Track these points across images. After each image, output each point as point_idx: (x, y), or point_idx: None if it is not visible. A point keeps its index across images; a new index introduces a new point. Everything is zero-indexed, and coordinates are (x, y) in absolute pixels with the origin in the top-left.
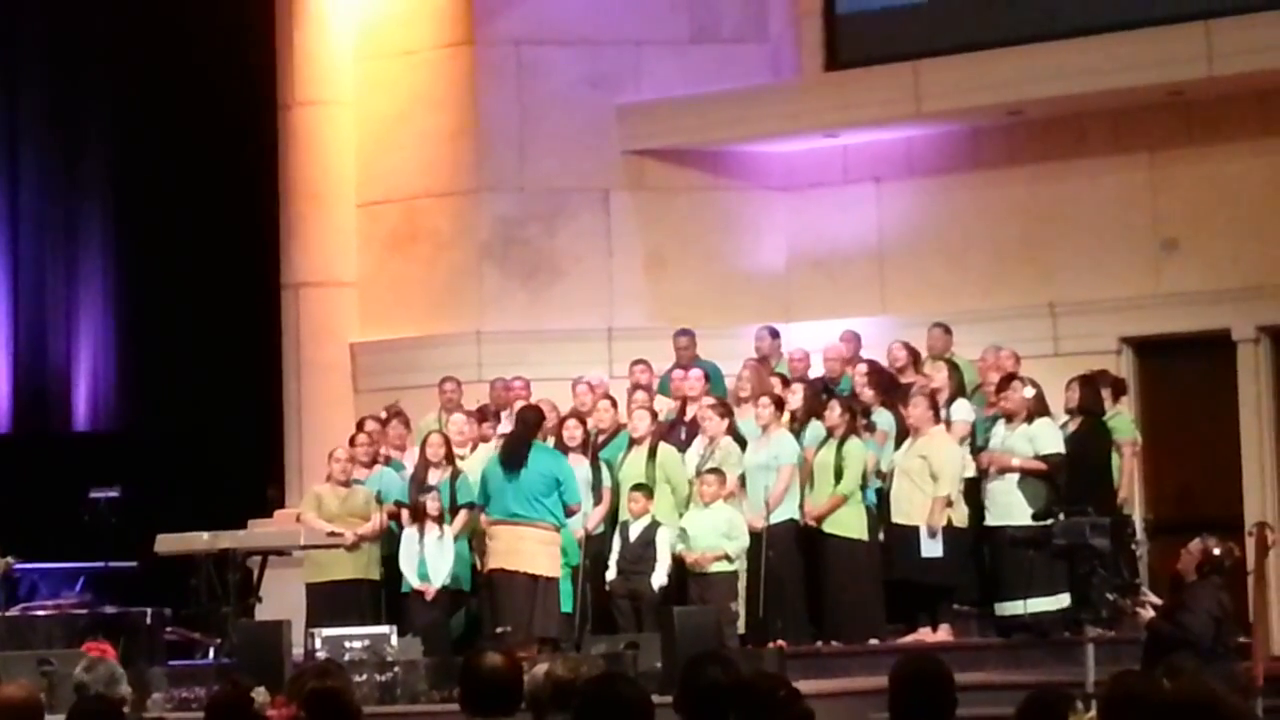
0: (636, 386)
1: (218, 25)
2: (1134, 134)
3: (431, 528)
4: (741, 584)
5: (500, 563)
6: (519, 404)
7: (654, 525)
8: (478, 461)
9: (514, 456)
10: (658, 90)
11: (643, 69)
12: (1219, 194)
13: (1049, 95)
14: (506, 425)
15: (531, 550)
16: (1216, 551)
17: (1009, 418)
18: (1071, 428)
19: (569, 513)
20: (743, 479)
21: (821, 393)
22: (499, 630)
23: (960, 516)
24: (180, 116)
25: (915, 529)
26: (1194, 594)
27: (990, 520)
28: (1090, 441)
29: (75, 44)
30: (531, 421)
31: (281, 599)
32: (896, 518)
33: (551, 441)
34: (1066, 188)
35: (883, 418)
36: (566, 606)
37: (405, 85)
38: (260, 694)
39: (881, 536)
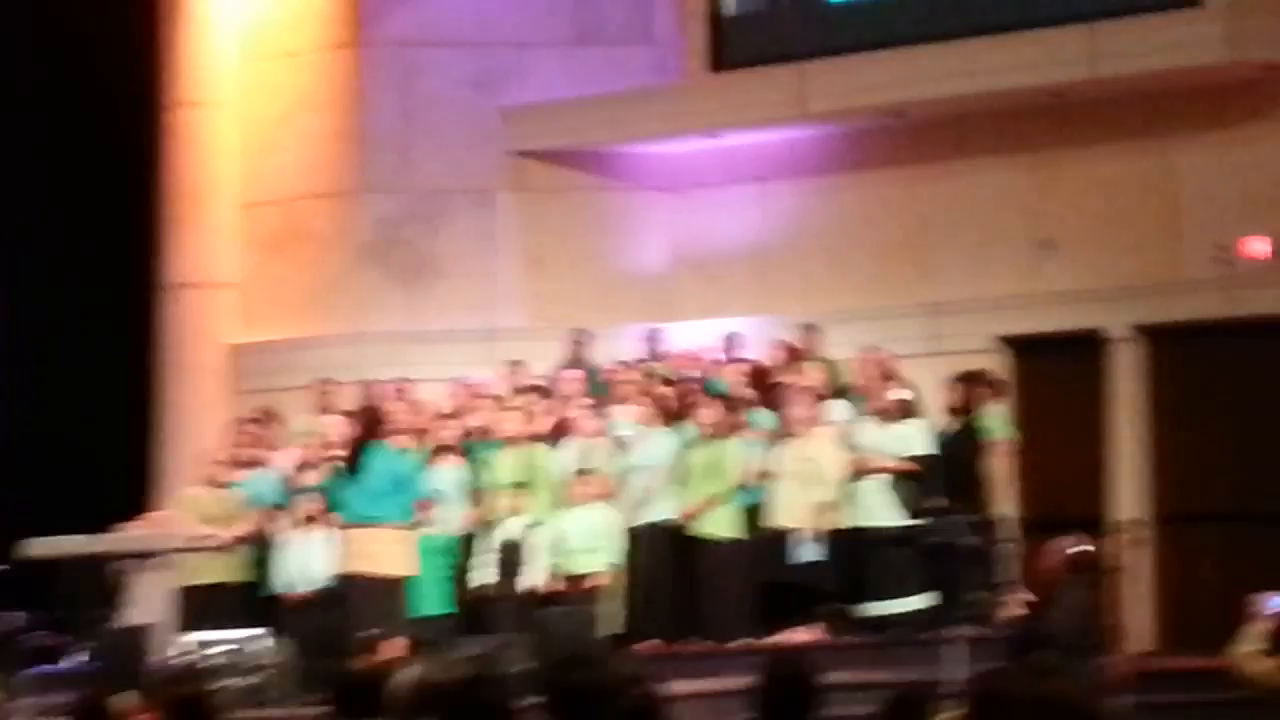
0: (517, 388)
1: (100, 25)
2: (1015, 135)
3: (305, 530)
4: (616, 585)
5: (358, 565)
6: (359, 406)
7: (529, 526)
8: None
9: (352, 459)
10: (542, 92)
11: (527, 70)
12: (1097, 195)
13: (931, 97)
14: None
15: (383, 551)
16: (1084, 549)
17: (882, 417)
18: (947, 427)
19: (419, 508)
20: (621, 479)
21: (699, 392)
22: (368, 633)
23: (837, 519)
24: (63, 116)
25: (795, 532)
26: (1061, 592)
27: (859, 521)
28: (966, 440)
29: None
30: (371, 423)
31: (153, 602)
32: (778, 520)
33: (424, 440)
34: (948, 189)
35: (763, 417)
36: (445, 607)
37: (289, 87)
38: (126, 699)
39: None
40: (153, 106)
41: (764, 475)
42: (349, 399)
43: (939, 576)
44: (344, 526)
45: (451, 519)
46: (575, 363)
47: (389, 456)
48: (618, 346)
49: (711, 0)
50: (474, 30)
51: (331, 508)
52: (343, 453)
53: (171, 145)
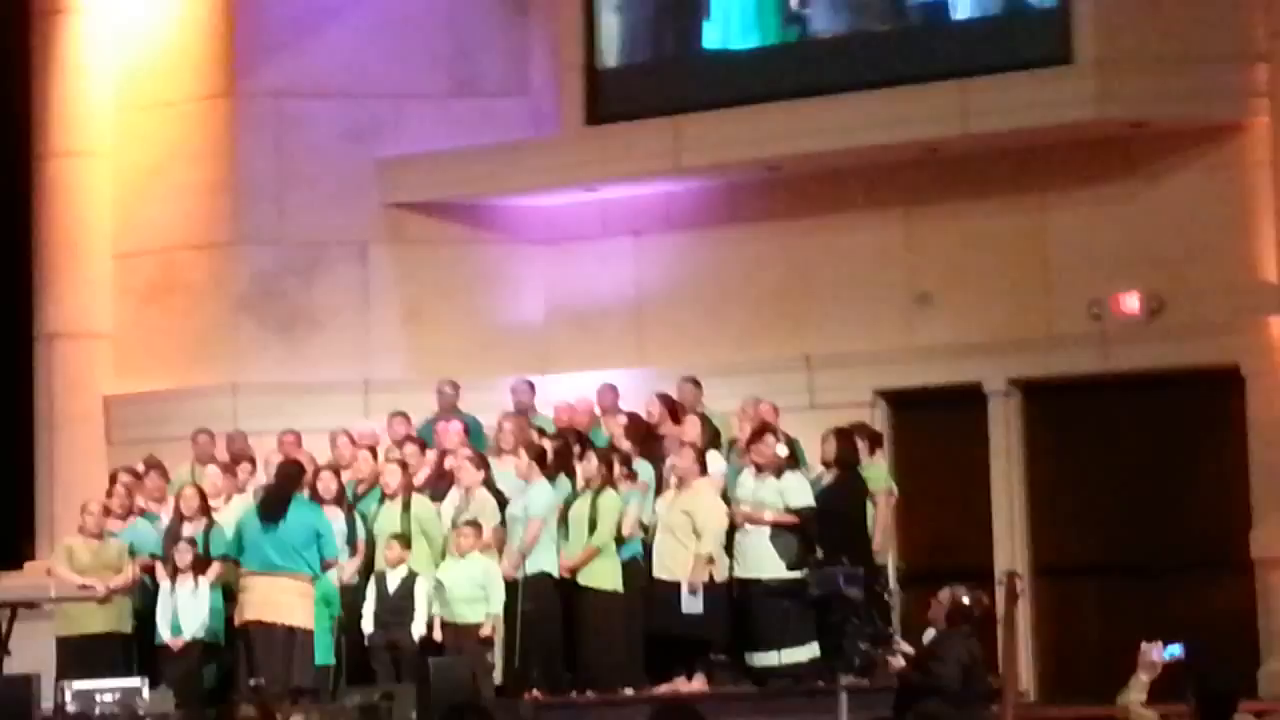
0: (396, 439)
1: None
2: (889, 190)
3: (184, 580)
4: (498, 635)
5: (257, 614)
6: (280, 456)
7: (411, 576)
8: (232, 513)
9: (274, 509)
10: (418, 143)
11: (403, 122)
12: (972, 249)
13: (806, 151)
14: (259, 477)
15: (289, 602)
16: (966, 600)
17: (759, 470)
18: (827, 479)
19: (325, 566)
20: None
21: (576, 444)
22: (253, 682)
23: (720, 571)
24: None
25: (677, 584)
26: (943, 643)
27: (742, 572)
28: (845, 492)
29: None
30: (293, 474)
31: (31, 653)
32: (659, 573)
33: (307, 493)
34: (823, 242)
35: (643, 469)
36: (325, 658)
37: (163, 136)
38: None
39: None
40: (26, 156)
41: (644, 527)
42: (225, 450)
43: (823, 627)
44: (248, 575)
45: (334, 570)
46: (445, 413)
47: (310, 511)
48: (494, 399)
49: (588, 53)
50: (349, 81)
51: (231, 554)
52: (246, 501)
53: (46, 195)
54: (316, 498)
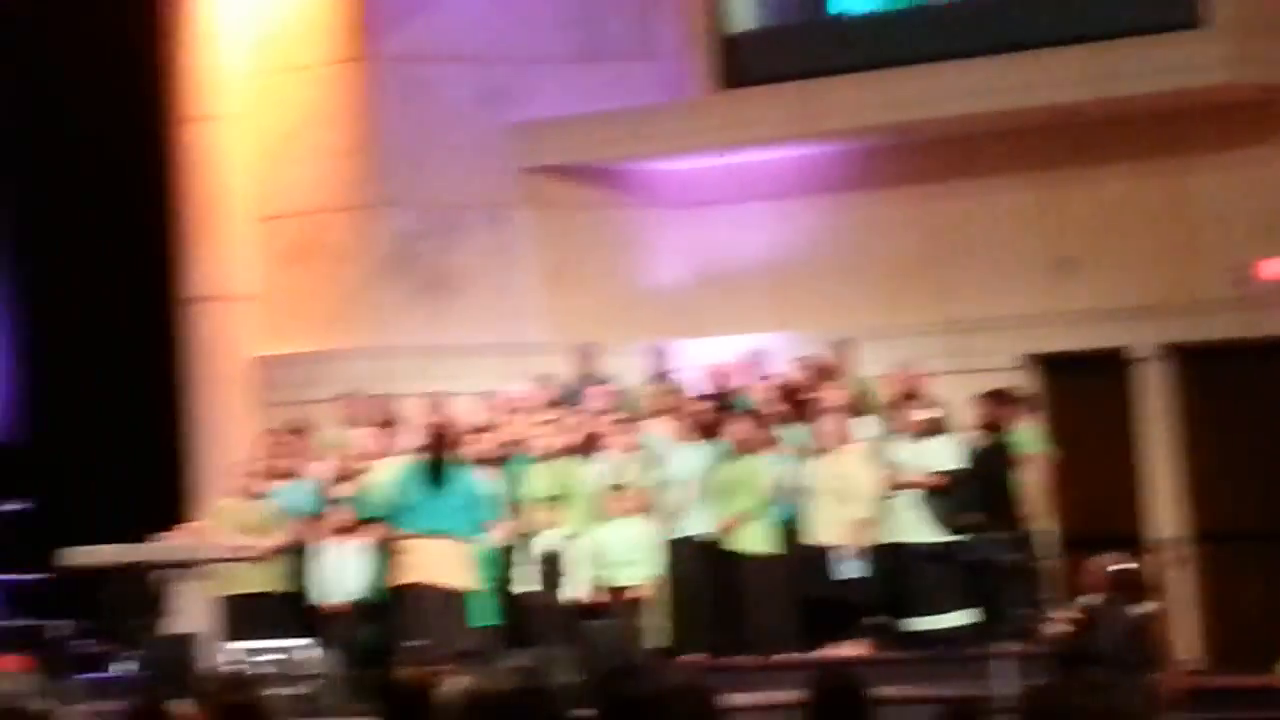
0: (542, 402)
1: (111, 40)
2: (1026, 154)
3: (339, 541)
4: (656, 598)
5: (420, 576)
6: (430, 421)
7: (567, 538)
8: (382, 476)
9: (436, 473)
10: (549, 108)
11: (534, 86)
12: (1109, 215)
13: (941, 115)
14: (407, 439)
15: (449, 564)
16: (1122, 567)
17: (911, 434)
18: (978, 443)
19: (486, 527)
20: (653, 492)
21: (726, 408)
22: (415, 643)
23: (873, 535)
24: (79, 130)
25: (831, 548)
26: (1101, 609)
27: (893, 536)
28: (996, 457)
29: None
30: (447, 438)
31: (190, 611)
32: (811, 537)
33: (463, 456)
34: (960, 206)
35: (790, 433)
36: (486, 620)
37: (299, 100)
38: (180, 706)
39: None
40: (165, 121)
41: (796, 491)
42: (378, 412)
43: (979, 592)
44: (406, 538)
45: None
46: (585, 377)
47: (468, 474)
48: (636, 362)
49: (717, 18)
50: (479, 45)
51: (385, 516)
52: (398, 463)
53: (186, 159)
54: (470, 460)
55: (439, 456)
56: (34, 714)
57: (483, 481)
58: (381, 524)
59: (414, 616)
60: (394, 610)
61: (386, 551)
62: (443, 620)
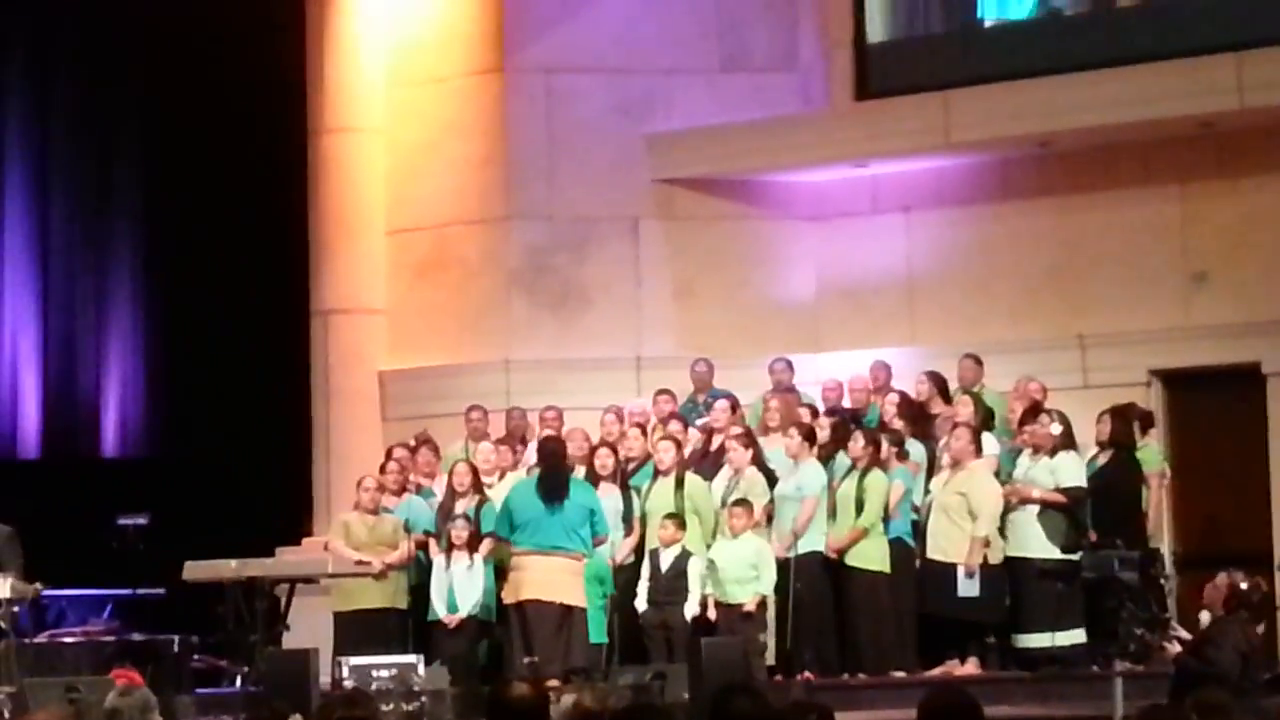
0: (662, 417)
1: (250, 51)
2: (1164, 166)
3: (459, 556)
4: (770, 615)
5: (534, 593)
6: (544, 433)
7: (685, 555)
8: (504, 490)
9: (556, 489)
10: (687, 119)
11: (672, 98)
12: (1249, 226)
13: (1078, 126)
14: (529, 454)
15: (564, 581)
16: (1244, 586)
17: (1034, 450)
18: (1101, 460)
19: (597, 543)
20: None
21: (849, 423)
22: (528, 660)
23: (995, 553)
24: (212, 142)
25: (952, 566)
26: (1221, 629)
27: (1014, 551)
28: (1120, 474)
29: (107, 68)
30: (560, 453)
31: (309, 627)
32: (933, 554)
33: (582, 471)
34: (1096, 219)
35: (915, 449)
36: (599, 637)
37: (435, 112)
38: None
39: (917, 566)
40: (302, 132)
41: (917, 508)
42: (505, 426)
43: (1095, 611)
44: (524, 554)
45: (605, 547)
46: (700, 390)
47: (584, 490)
48: (763, 375)
49: (857, 28)
50: (618, 57)
51: (500, 531)
52: (518, 478)
53: (320, 171)
54: (592, 475)
55: (554, 471)
56: None
57: (595, 497)
58: (497, 539)
59: (526, 633)
60: (509, 626)
61: (502, 568)
62: (557, 637)
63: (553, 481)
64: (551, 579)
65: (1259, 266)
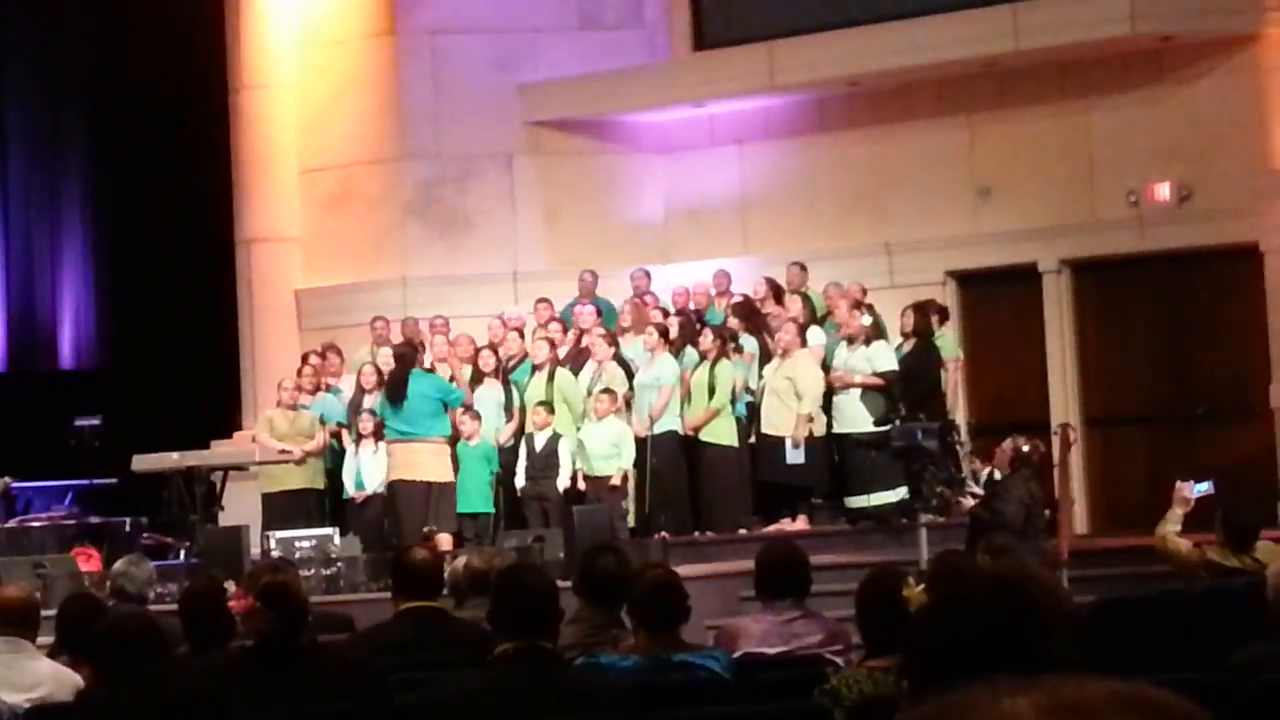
0: (542, 321)
1: (180, 16)
2: (953, 100)
3: (366, 444)
4: (630, 485)
5: (399, 474)
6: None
7: (555, 437)
8: None
9: (396, 390)
10: (552, 70)
11: (539, 52)
12: (1025, 149)
13: (882, 69)
14: (426, 358)
15: (424, 461)
16: (1026, 448)
17: (851, 341)
18: (906, 348)
19: (464, 411)
20: (630, 396)
21: (695, 322)
22: (426, 529)
23: (819, 427)
24: (148, 94)
25: (781, 439)
26: (1007, 485)
27: (838, 428)
28: (922, 359)
29: (56, 38)
30: (407, 356)
31: (240, 507)
32: (766, 429)
33: (469, 370)
34: (897, 146)
35: (749, 342)
36: (486, 507)
37: (338, 69)
38: (228, 587)
39: (751, 442)
40: (223, 89)
41: (754, 391)
42: (398, 334)
43: (906, 474)
44: (390, 442)
45: (491, 432)
46: (584, 297)
47: (426, 382)
48: (621, 285)
49: None
50: (493, 19)
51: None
52: (384, 381)
53: (240, 122)
54: (478, 372)
55: (394, 379)
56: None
57: (439, 383)
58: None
59: (401, 507)
60: (395, 502)
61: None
62: (424, 509)
63: (393, 384)
64: (413, 460)
65: (1034, 183)
